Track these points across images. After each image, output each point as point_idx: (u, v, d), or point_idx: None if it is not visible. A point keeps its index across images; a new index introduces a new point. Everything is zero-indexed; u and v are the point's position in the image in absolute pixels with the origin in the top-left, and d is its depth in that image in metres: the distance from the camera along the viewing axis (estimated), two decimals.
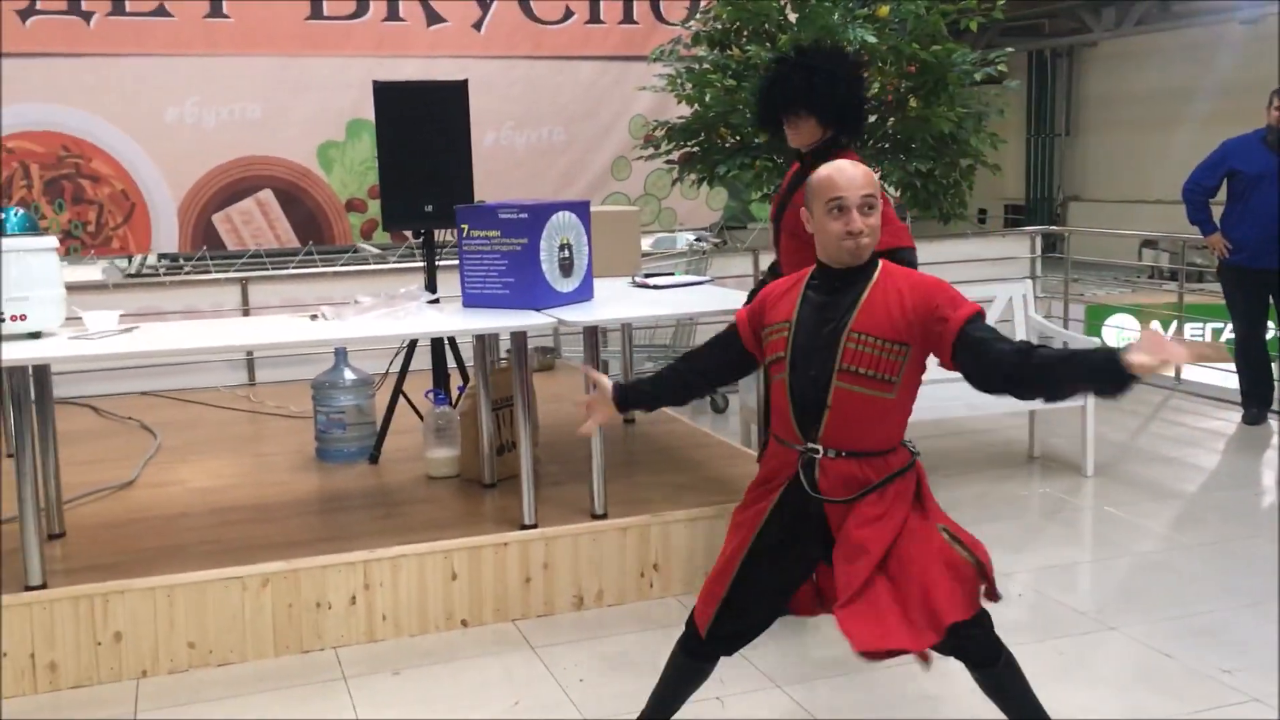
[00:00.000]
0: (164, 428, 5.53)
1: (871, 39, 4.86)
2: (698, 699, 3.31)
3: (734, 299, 4.79)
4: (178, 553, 3.78)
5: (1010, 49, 5.50)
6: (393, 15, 6.45)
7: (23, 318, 3.60)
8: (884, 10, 5.03)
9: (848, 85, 3.48)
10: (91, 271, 8.04)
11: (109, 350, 3.58)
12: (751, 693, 3.37)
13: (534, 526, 3.94)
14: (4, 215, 3.71)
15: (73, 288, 4.21)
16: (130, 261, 8.29)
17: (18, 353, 3.43)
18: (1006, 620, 3.88)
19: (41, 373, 3.67)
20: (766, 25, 5.23)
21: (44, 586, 3.46)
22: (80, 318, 3.87)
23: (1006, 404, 5.55)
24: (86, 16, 6.01)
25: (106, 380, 6.25)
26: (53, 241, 3.76)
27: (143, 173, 6.26)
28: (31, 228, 3.75)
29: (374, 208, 6.63)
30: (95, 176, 6.18)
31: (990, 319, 5.73)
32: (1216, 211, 6.33)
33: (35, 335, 3.64)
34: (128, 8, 6.05)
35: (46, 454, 3.86)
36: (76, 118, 6.07)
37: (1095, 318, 8.41)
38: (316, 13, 6.35)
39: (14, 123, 5.96)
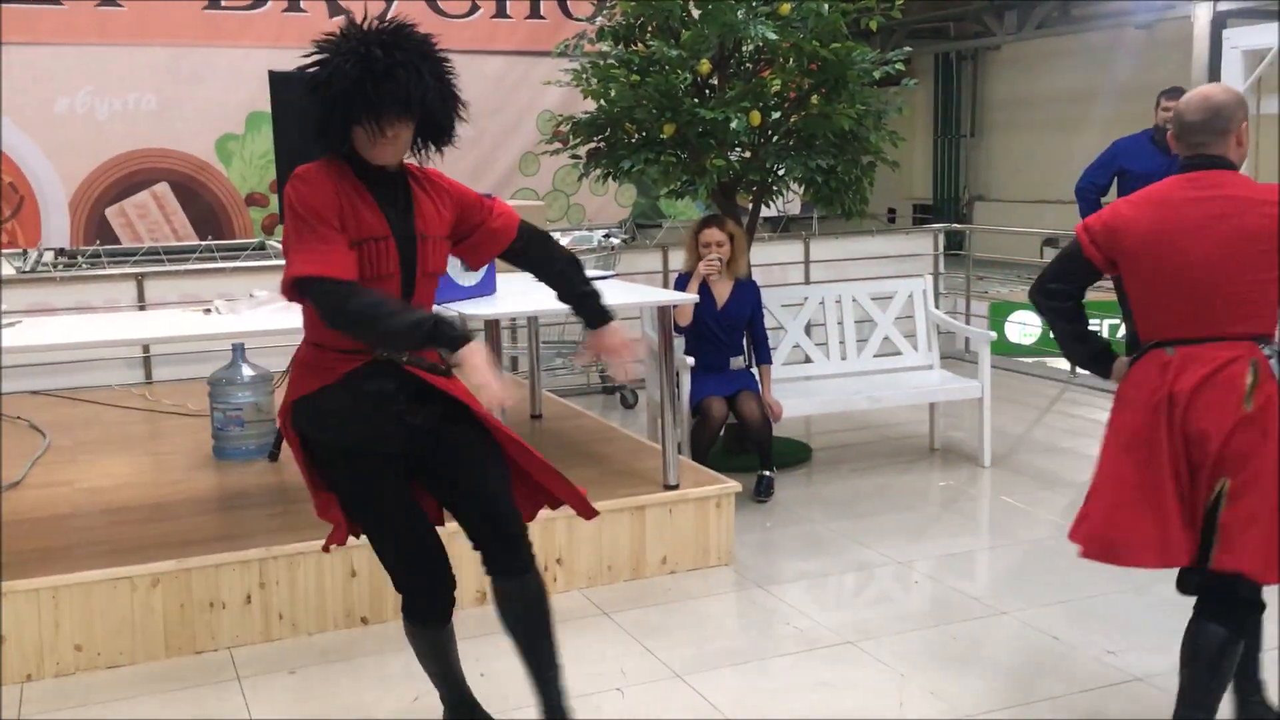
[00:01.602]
0: (54, 427, 5.37)
1: (773, 36, 4.90)
2: (598, 689, 3.33)
3: (640, 293, 4.81)
4: (65, 554, 3.67)
5: (908, 48, 5.59)
6: (293, 6, 6.35)
7: None
8: (785, 8, 5.08)
9: (451, 88, 2.60)
10: None
11: None
12: (652, 683, 3.38)
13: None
14: None
15: None
16: (25, 257, 8.03)
17: None
18: (905, 608, 3.98)
19: None
20: (670, 21, 5.25)
21: None
22: None
23: (908, 397, 5.68)
24: None
25: None
26: None
27: (31, 165, 6.07)
28: None
29: (275, 202, 6.51)
30: None
31: (891, 314, 5.87)
32: None
33: None
34: None
35: None
36: None
37: (998, 314, 8.60)
38: (214, 3, 6.22)
39: None
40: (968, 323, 7.82)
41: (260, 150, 6.41)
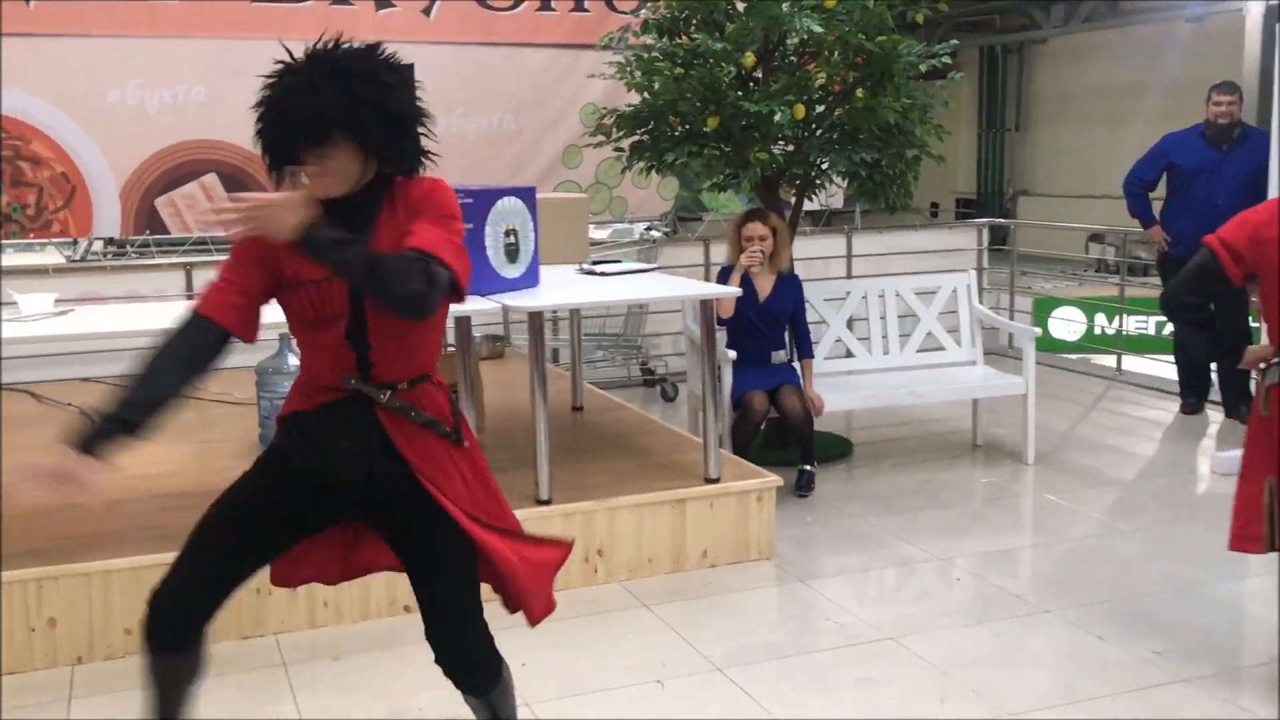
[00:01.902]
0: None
1: (819, 29, 4.88)
2: (638, 681, 3.34)
3: (683, 287, 4.81)
4: (116, 538, 3.73)
5: (955, 41, 5.55)
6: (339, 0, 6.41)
7: None
8: (831, 1, 5.06)
9: (396, 93, 2.30)
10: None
11: (43, 332, 3.53)
12: (691, 675, 3.39)
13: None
14: None
15: (8, 273, 4.15)
16: (75, 246, 8.16)
17: None
18: (947, 604, 3.96)
19: None
20: (714, 14, 5.24)
21: None
22: (15, 301, 3.81)
23: (950, 393, 5.64)
24: None
25: (46, 366, 6.14)
26: None
27: (83, 155, 6.16)
28: None
29: None
30: (35, 159, 6.08)
31: (934, 309, 5.83)
32: (1157, 206, 6.43)
33: None
34: None
35: None
36: (15, 99, 5.96)
37: (1042, 309, 8.53)
38: None
39: None
40: (1011, 318, 7.77)
41: None
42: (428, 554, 2.44)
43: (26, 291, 3.99)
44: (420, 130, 2.36)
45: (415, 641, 3.61)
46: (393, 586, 3.81)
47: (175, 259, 6.59)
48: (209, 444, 5.02)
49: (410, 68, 2.52)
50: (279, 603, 3.68)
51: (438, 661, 2.53)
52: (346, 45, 2.31)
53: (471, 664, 2.52)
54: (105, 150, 6.19)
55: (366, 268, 2.15)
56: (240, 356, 6.43)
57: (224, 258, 2.38)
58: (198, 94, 6.28)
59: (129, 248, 7.54)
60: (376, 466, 2.38)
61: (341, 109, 2.22)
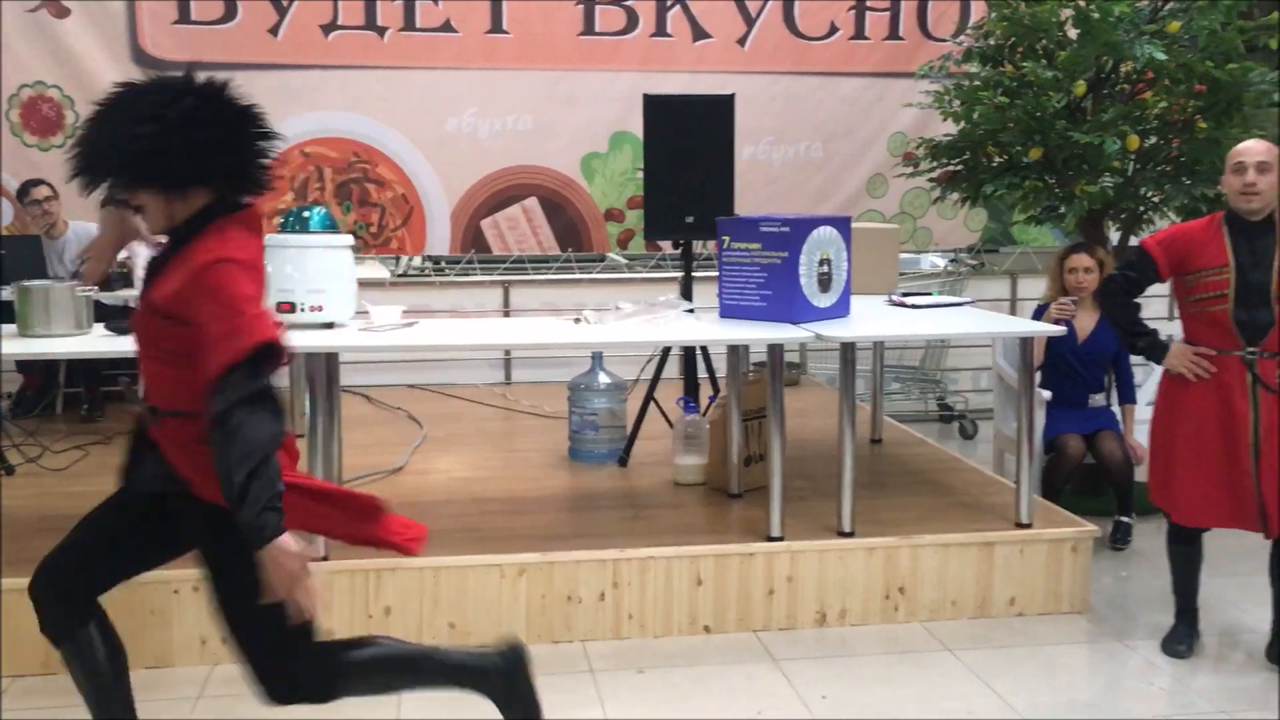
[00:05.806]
0: (429, 419, 5.85)
1: (1161, 56, 4.61)
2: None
3: (994, 323, 4.65)
4: (442, 537, 3.97)
5: None
6: (660, 31, 6.62)
7: (319, 309, 3.91)
8: (1174, 26, 4.77)
9: (178, 127, 2.22)
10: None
11: (395, 343, 3.83)
12: None
13: (780, 539, 3.94)
14: (309, 214, 4.03)
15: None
16: (398, 262, 8.79)
17: (315, 341, 3.72)
18: None
19: (332, 360, 3.94)
20: (1044, 41, 5.05)
21: (326, 559, 3.72)
22: (368, 311, 4.16)
23: None
24: (381, 32, 6.46)
25: (378, 371, 6.68)
26: (349, 240, 4.07)
27: (422, 179, 6.67)
28: (331, 227, 4.06)
29: (632, 218, 6.82)
30: (380, 181, 6.63)
31: None
32: None
33: (329, 325, 3.93)
34: (418, 24, 6.47)
35: (331, 436, 4.14)
36: (367, 125, 6.53)
37: None
38: (589, 28, 6.59)
39: (313, 129, 6.49)
40: None
41: (620, 168, 6.74)
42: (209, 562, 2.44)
43: (370, 304, 4.33)
44: (233, 156, 2.29)
45: (716, 662, 3.68)
46: (694, 605, 3.88)
47: (495, 277, 7.00)
48: (520, 454, 5.29)
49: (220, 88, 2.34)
50: (588, 611, 3.83)
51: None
52: (146, 81, 2.31)
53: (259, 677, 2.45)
54: (441, 174, 6.68)
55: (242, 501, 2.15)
56: (547, 371, 6.78)
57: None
58: (525, 123, 6.66)
59: (444, 264, 8.07)
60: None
61: (110, 154, 2.25)
